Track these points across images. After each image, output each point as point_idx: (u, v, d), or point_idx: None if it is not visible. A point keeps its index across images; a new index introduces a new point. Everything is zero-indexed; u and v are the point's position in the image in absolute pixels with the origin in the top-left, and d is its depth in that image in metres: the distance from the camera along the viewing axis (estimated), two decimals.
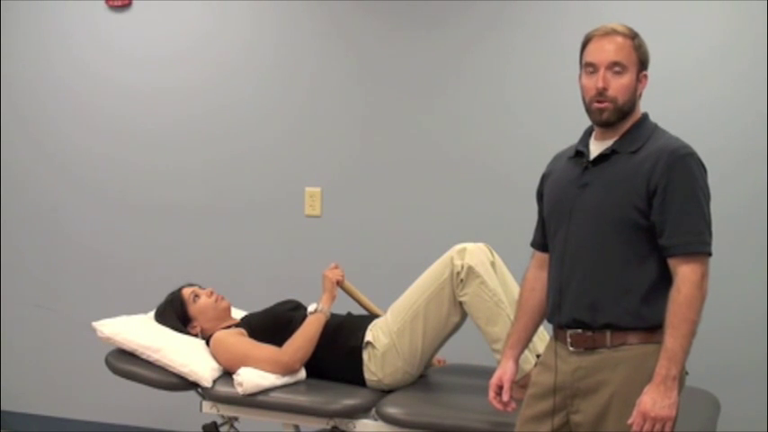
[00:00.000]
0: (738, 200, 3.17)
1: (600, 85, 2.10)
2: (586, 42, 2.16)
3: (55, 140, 4.11)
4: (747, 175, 3.19)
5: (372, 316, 3.05)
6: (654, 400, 1.99)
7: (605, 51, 2.10)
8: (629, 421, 2.02)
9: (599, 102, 2.11)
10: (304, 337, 2.87)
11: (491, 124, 3.51)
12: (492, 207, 3.49)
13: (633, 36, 2.13)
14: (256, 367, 2.81)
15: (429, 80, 3.58)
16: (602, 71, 2.10)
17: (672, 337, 2.00)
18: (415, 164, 3.61)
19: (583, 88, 2.16)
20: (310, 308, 2.99)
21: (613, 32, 2.12)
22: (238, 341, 2.91)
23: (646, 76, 2.16)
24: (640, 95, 2.16)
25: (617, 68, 2.10)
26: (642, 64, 2.14)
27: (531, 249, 2.40)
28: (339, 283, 3.04)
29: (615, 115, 2.12)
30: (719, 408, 2.79)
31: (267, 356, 2.83)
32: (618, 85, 2.10)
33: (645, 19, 3.19)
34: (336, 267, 3.08)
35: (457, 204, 3.55)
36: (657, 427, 1.99)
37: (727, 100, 3.21)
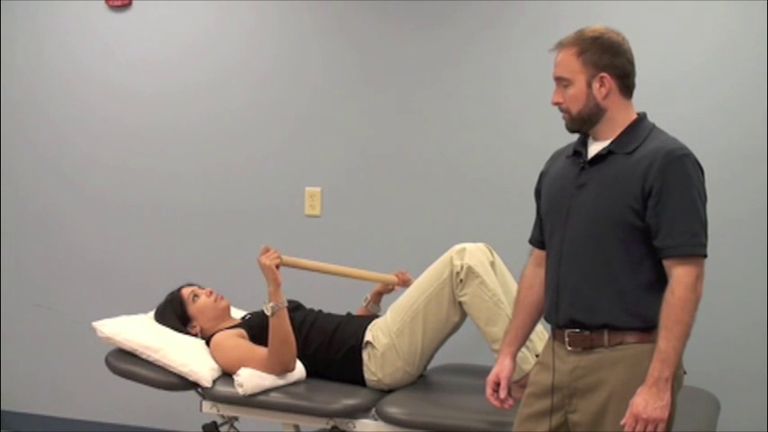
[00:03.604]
0: (739, 201, 3.18)
1: (552, 100, 2.19)
2: None
3: (54, 141, 4.11)
4: (748, 176, 3.19)
5: (372, 316, 3.05)
6: (646, 402, 2.00)
7: (554, 67, 2.18)
8: (622, 422, 2.03)
9: (561, 113, 2.20)
10: (280, 342, 2.80)
11: (491, 124, 3.51)
12: (492, 207, 3.50)
13: (576, 43, 2.14)
14: (255, 369, 2.81)
15: (429, 80, 3.58)
16: (556, 86, 2.18)
17: (665, 339, 2.00)
18: (415, 164, 3.61)
19: None
20: (266, 310, 2.84)
21: (558, 46, 2.18)
22: (236, 345, 2.90)
23: (606, 77, 2.12)
24: (607, 96, 2.13)
25: (563, 83, 2.16)
26: (595, 66, 2.12)
27: (530, 248, 2.40)
28: (279, 266, 2.89)
29: (575, 124, 2.18)
30: (719, 408, 2.79)
31: (261, 362, 2.83)
32: (568, 98, 2.16)
33: (643, 20, 3.20)
34: (268, 250, 2.89)
35: (457, 204, 3.55)
36: (650, 428, 2.00)
37: (727, 102, 3.21)
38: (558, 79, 2.16)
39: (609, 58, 2.13)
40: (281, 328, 2.82)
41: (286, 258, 2.92)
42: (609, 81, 2.13)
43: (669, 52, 3.21)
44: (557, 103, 2.19)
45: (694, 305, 2.01)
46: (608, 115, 2.15)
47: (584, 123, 2.17)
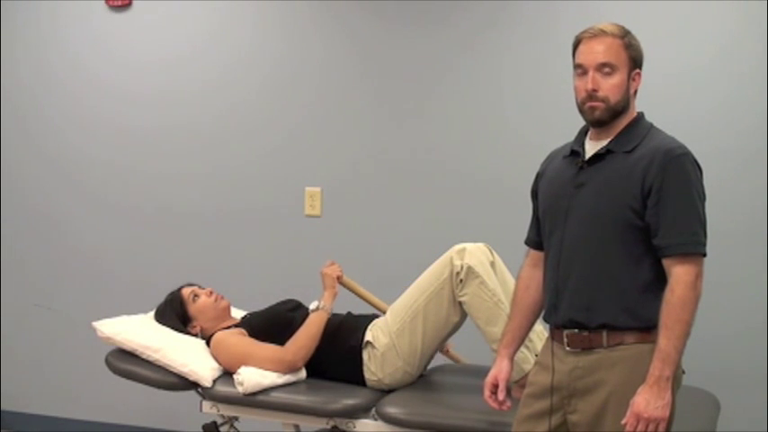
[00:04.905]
0: (739, 201, 3.18)
1: (589, 86, 2.11)
2: (577, 44, 2.17)
3: (54, 141, 4.11)
4: (748, 176, 3.19)
5: (372, 316, 3.05)
6: (647, 401, 1.99)
7: (594, 53, 2.11)
8: (623, 421, 2.02)
9: (590, 102, 2.12)
10: (307, 335, 2.87)
11: (491, 124, 3.51)
12: (492, 207, 3.50)
13: (623, 35, 2.13)
14: (258, 366, 2.81)
15: (429, 81, 3.58)
16: (591, 73, 2.11)
17: (665, 338, 2.00)
18: (415, 164, 3.61)
19: (575, 90, 2.17)
20: (312, 305, 2.99)
21: (602, 33, 2.12)
22: (239, 341, 2.91)
23: (639, 75, 2.15)
24: (634, 94, 2.17)
25: (606, 69, 2.10)
26: (634, 62, 2.14)
27: (527, 249, 2.40)
28: (338, 279, 3.05)
29: (607, 114, 2.12)
30: (719, 408, 2.79)
31: (269, 355, 2.84)
32: (608, 86, 2.11)
33: (643, 20, 3.20)
34: (333, 263, 3.09)
35: (457, 204, 3.55)
36: (651, 427, 2.00)
37: (727, 102, 3.21)
38: (602, 65, 2.10)
39: (641, 58, 2.16)
40: (317, 325, 2.90)
41: (345, 278, 3.09)
42: (639, 79, 2.15)
43: (669, 52, 3.21)
44: (593, 90, 2.10)
45: (694, 304, 2.01)
46: (626, 112, 2.15)
47: (614, 115, 2.13)
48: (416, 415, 2.65)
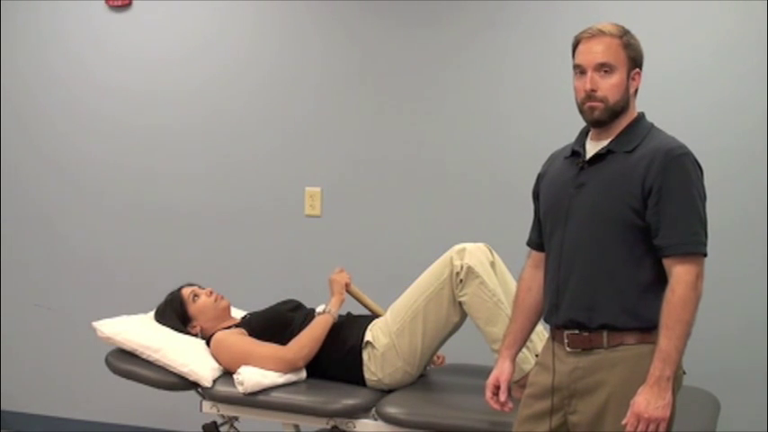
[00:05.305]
0: (739, 201, 3.18)
1: (588, 87, 2.11)
2: (576, 44, 2.17)
3: (53, 141, 4.11)
4: (748, 176, 3.19)
5: (372, 316, 3.05)
6: (648, 401, 1.99)
7: (592, 53, 2.11)
8: (624, 422, 2.02)
9: (590, 102, 2.12)
10: (310, 337, 2.88)
11: (492, 124, 3.51)
12: (491, 207, 3.50)
13: (621, 35, 2.13)
14: (259, 365, 2.81)
15: (429, 80, 3.58)
16: (590, 73, 2.11)
17: (666, 338, 2.00)
18: (415, 164, 3.61)
19: (574, 90, 2.17)
20: (318, 309, 3.00)
21: (600, 33, 2.12)
22: (240, 340, 2.92)
23: (639, 74, 2.15)
24: (635, 93, 2.16)
25: (605, 69, 2.11)
26: (633, 61, 2.13)
27: (528, 250, 2.40)
28: (346, 287, 3.05)
29: (606, 114, 2.12)
30: (719, 408, 2.79)
31: (271, 354, 2.84)
32: (607, 86, 2.10)
33: (643, 20, 3.20)
34: (342, 271, 3.09)
35: (457, 204, 3.55)
36: (651, 427, 1.99)
37: (727, 102, 3.21)
38: (601, 65, 2.10)
39: (641, 58, 2.16)
40: (322, 327, 2.90)
41: (353, 287, 3.09)
42: (638, 78, 2.15)
43: (669, 52, 3.21)
44: (592, 91, 2.10)
45: (695, 304, 2.01)
46: (626, 112, 2.15)
47: (614, 115, 2.13)
48: (416, 415, 2.65)
